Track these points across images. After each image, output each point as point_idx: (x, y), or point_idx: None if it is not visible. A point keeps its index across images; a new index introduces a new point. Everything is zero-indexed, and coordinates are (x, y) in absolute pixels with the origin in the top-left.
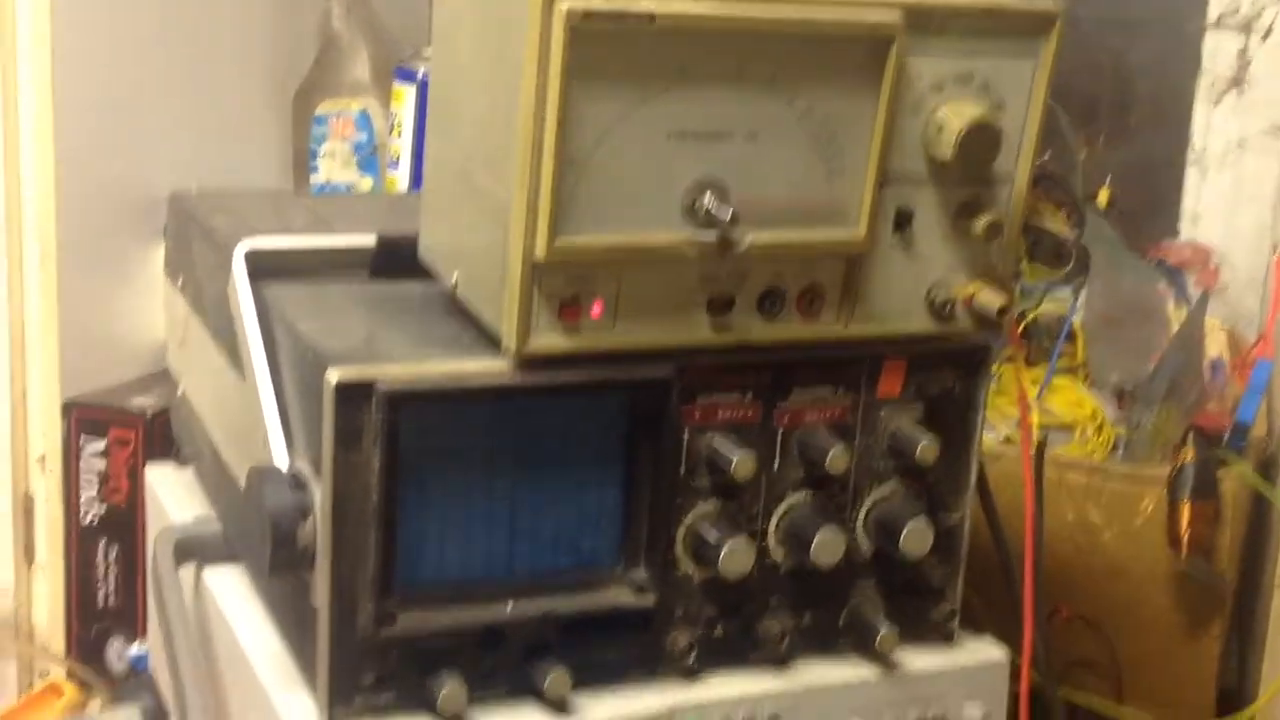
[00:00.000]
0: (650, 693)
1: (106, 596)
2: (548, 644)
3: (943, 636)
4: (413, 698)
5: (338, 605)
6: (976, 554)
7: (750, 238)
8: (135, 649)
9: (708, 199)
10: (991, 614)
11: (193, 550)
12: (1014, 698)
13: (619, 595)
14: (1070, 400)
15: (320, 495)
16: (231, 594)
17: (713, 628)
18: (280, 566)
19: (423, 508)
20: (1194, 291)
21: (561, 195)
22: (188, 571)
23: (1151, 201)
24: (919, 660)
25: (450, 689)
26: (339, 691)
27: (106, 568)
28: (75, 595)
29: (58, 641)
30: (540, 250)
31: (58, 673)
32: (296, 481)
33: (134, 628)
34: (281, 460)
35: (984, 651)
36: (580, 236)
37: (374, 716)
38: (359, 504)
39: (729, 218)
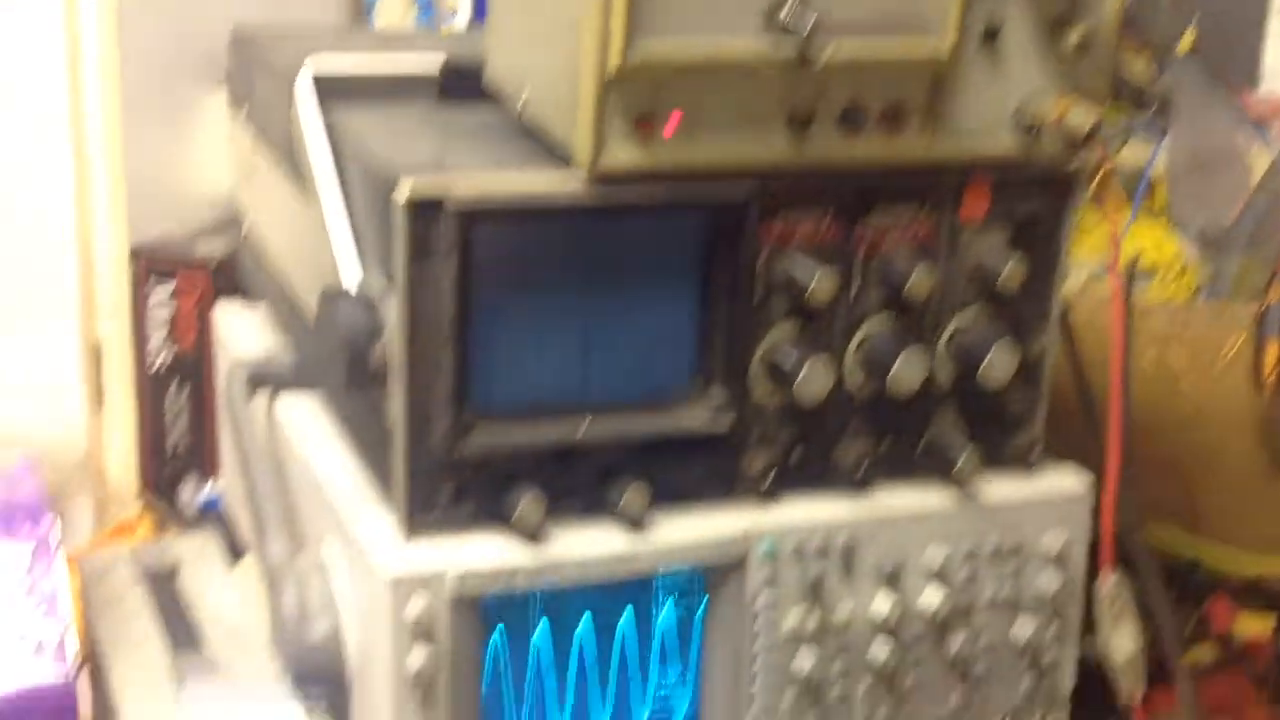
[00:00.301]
0: (726, 514)
1: (177, 440)
2: (623, 464)
3: (1024, 465)
4: (490, 513)
5: (413, 423)
6: (1055, 398)
7: (831, 49)
8: (208, 491)
9: (788, 7)
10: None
11: (265, 381)
12: (1094, 534)
13: (694, 418)
14: (1152, 244)
15: (393, 314)
16: (305, 423)
17: (789, 452)
18: (355, 387)
19: (496, 325)
20: (1276, 141)
21: (636, 3)
22: (260, 403)
23: (1232, 53)
24: (999, 488)
25: (527, 504)
26: (416, 507)
27: (177, 412)
28: (146, 439)
29: (131, 484)
30: (614, 61)
31: (131, 512)
32: (368, 302)
33: (205, 471)
34: (352, 282)
35: (1066, 481)
36: (655, 46)
37: (451, 531)
38: (432, 321)
39: (810, 27)
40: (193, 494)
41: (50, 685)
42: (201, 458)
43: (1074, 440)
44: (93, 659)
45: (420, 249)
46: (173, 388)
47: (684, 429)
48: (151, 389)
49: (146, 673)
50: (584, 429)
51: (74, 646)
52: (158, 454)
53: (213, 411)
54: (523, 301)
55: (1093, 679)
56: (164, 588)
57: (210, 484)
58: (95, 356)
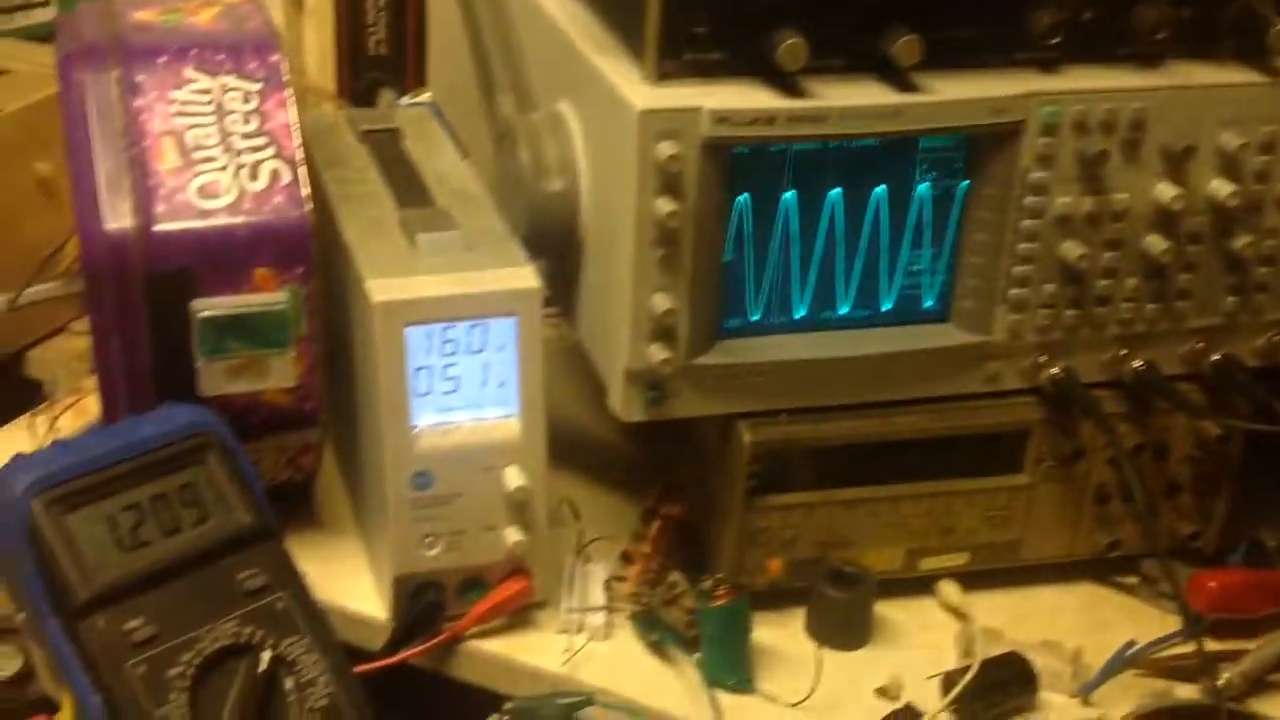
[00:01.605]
0: (1006, 78)
1: (377, 44)
2: (895, 11)
3: None
4: (746, 59)
5: None
6: None
7: None
8: (407, 101)
9: None
10: None
11: None
12: None
13: None
14: None
15: None
16: None
17: (1082, 10)
18: None
19: None
20: None
21: None
22: None
23: None
24: None
25: (787, 47)
26: (668, 47)
27: (377, 14)
28: (345, 42)
29: (328, 88)
30: None
31: (328, 109)
32: None
33: (403, 81)
34: None
35: None
36: None
37: (702, 79)
38: None
39: None
40: (390, 103)
41: (283, 221)
42: (401, 67)
43: None
44: (321, 206)
45: None
46: None
47: None
48: None
49: (377, 222)
50: None
51: (306, 187)
52: (357, 58)
53: (415, 18)
54: None
55: None
56: (387, 147)
57: (410, 95)
58: None
